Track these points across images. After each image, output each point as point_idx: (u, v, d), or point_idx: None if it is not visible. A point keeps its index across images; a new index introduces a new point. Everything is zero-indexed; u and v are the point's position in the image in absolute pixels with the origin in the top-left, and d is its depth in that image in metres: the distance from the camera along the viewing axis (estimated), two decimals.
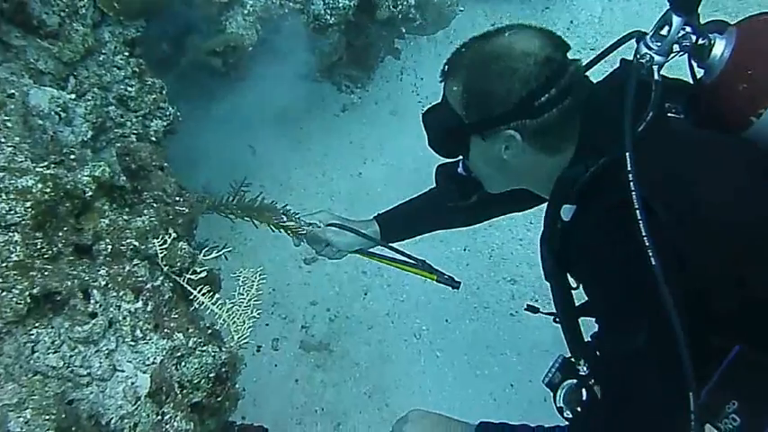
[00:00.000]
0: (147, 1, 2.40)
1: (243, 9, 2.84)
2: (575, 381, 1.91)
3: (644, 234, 1.49)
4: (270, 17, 2.89)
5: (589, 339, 1.91)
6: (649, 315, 1.56)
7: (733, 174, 1.66)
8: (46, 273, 1.60)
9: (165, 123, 2.52)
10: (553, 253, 1.83)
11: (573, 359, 1.94)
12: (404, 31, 3.79)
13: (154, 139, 2.49)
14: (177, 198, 2.01)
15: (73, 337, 1.60)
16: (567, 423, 1.87)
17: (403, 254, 2.34)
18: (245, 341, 1.71)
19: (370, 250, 2.42)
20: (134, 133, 2.41)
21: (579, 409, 1.86)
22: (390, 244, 2.34)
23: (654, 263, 1.48)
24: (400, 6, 3.47)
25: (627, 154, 1.54)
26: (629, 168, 1.53)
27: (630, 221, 1.51)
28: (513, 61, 1.62)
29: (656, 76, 1.64)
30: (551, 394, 2.01)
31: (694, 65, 1.77)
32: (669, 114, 1.73)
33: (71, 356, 1.60)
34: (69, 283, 1.62)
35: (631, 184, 1.52)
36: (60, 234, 1.67)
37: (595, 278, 1.71)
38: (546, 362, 3.26)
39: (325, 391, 3.16)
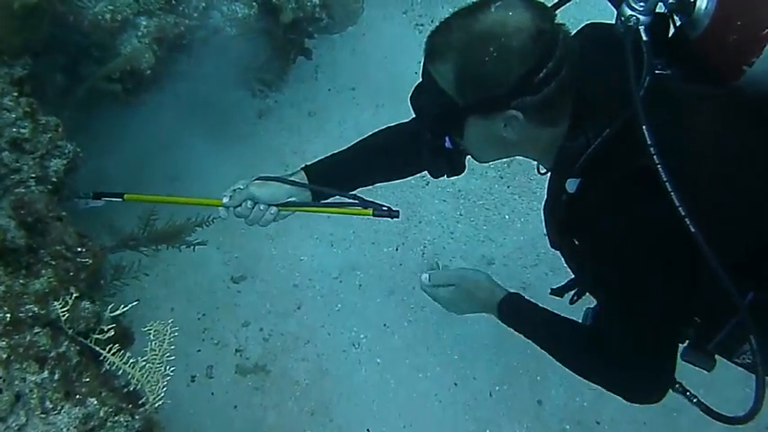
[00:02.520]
0: (27, 37, 2.27)
1: (136, 31, 2.72)
2: None
3: (678, 204, 1.52)
4: (166, 36, 2.77)
5: None
6: (656, 287, 1.72)
7: (732, 128, 1.70)
8: None
9: (64, 162, 2.39)
10: (558, 223, 1.90)
11: None
12: (312, 31, 3.70)
13: (54, 179, 2.37)
14: (79, 249, 1.91)
15: None
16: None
17: (333, 194, 2.15)
18: (160, 401, 1.63)
19: (300, 202, 2.15)
20: (32, 177, 2.28)
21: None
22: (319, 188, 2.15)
23: (693, 229, 1.52)
24: (304, 7, 3.38)
25: (644, 128, 1.54)
26: (647, 140, 1.53)
27: (643, 191, 1.58)
28: (507, 39, 1.58)
29: (644, 37, 1.62)
30: None
31: (676, 19, 1.75)
32: (656, 72, 1.69)
33: None
34: None
35: (654, 156, 1.52)
36: None
37: (605, 248, 1.75)
38: (487, 355, 3.28)
39: (266, 415, 3.08)
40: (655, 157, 1.53)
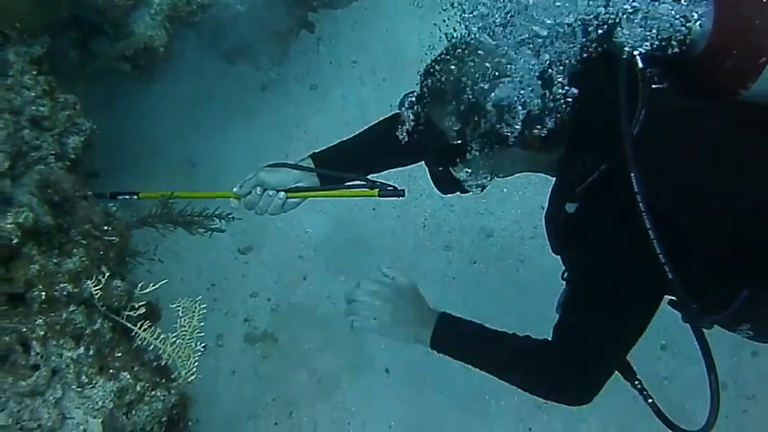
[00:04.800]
0: (48, 16, 2.31)
1: (149, 9, 2.75)
2: None
3: (653, 238, 1.58)
4: (178, 14, 2.81)
5: None
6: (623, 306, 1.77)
7: (726, 144, 1.69)
8: None
9: (82, 139, 2.44)
10: (557, 235, 1.94)
11: None
12: (316, 5, 3.73)
13: (72, 156, 2.42)
14: (105, 228, 1.98)
15: (18, 392, 1.59)
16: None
17: (340, 177, 2.16)
18: (192, 376, 1.71)
19: (308, 187, 2.17)
20: (51, 154, 2.33)
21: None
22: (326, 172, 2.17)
23: (669, 276, 1.59)
24: None
25: (632, 175, 1.58)
26: (635, 188, 1.58)
27: (633, 223, 1.60)
28: (505, 84, 1.62)
29: (640, 64, 1.63)
30: None
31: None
32: (653, 86, 1.69)
33: (19, 411, 1.59)
34: (7, 338, 1.60)
35: (638, 197, 1.58)
36: None
37: (594, 265, 1.79)
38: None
39: (274, 382, 3.18)
40: (641, 204, 1.58)
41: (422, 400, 3.24)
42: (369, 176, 2.14)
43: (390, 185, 2.11)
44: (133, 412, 1.61)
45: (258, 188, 2.14)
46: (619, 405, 3.24)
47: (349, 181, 2.15)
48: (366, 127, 2.29)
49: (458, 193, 2.02)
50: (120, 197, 2.27)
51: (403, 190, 2.11)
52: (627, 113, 1.61)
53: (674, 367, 3.36)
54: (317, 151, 2.25)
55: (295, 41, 4.08)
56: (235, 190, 2.18)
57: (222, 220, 2.38)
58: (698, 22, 1.61)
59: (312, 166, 2.19)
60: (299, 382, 3.21)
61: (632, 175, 1.58)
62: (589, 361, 1.84)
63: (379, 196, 2.11)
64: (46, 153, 2.33)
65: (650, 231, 1.58)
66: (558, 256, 2.04)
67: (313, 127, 3.96)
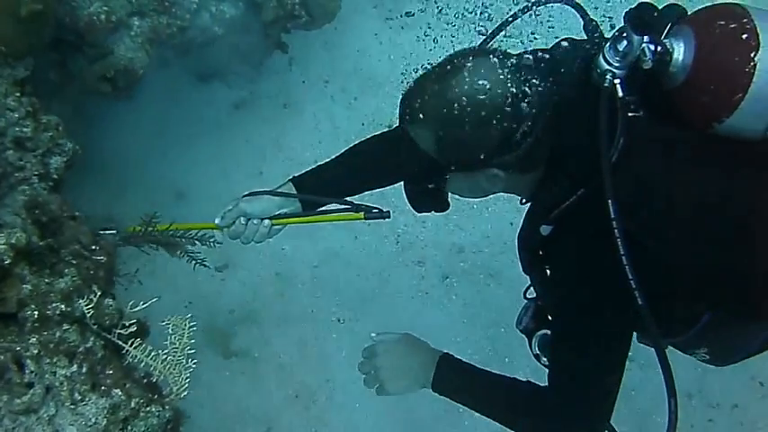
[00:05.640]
0: (32, 39, 2.34)
1: (129, 31, 2.79)
2: (548, 331, 2.12)
3: (630, 277, 1.65)
4: (158, 37, 2.85)
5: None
6: (603, 331, 1.81)
7: (703, 172, 1.75)
8: None
9: (64, 159, 2.47)
10: (530, 255, 1.99)
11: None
12: (289, 27, 3.79)
13: (55, 176, 2.45)
14: (93, 247, 2.01)
15: (13, 410, 1.62)
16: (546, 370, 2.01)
17: (323, 202, 2.16)
18: (185, 391, 1.75)
19: (290, 213, 2.17)
20: (35, 174, 2.36)
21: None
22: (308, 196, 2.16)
23: (639, 302, 1.67)
24: (285, 6, 3.48)
25: (609, 202, 1.64)
26: (611, 214, 1.64)
27: (607, 249, 1.66)
28: (483, 106, 1.63)
29: (620, 93, 1.68)
30: (527, 340, 2.20)
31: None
32: (629, 114, 1.73)
33: (14, 429, 1.62)
34: (2, 357, 1.63)
35: (614, 223, 1.65)
36: None
37: (567, 287, 1.85)
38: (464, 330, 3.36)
39: (252, 398, 3.22)
40: (616, 230, 1.65)
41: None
42: (348, 199, 2.14)
43: (375, 208, 2.13)
44: (129, 428, 1.64)
45: (242, 218, 2.14)
46: None
47: (332, 205, 2.15)
48: (343, 150, 2.30)
49: (432, 211, 2.06)
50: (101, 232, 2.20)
51: (388, 211, 2.13)
52: (607, 142, 1.67)
53: (641, 378, 3.45)
54: (296, 175, 2.24)
55: (268, 61, 4.13)
56: (217, 221, 2.16)
57: (204, 245, 2.39)
58: (679, 57, 1.67)
59: (292, 190, 2.18)
60: (276, 398, 3.25)
61: (609, 201, 1.65)
62: (589, 399, 1.87)
63: (365, 219, 2.12)
64: (29, 174, 2.35)
65: (623, 257, 1.65)
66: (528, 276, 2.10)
67: (286, 145, 4.00)
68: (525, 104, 1.66)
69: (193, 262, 2.32)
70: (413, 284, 3.70)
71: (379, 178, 2.29)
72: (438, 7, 4.23)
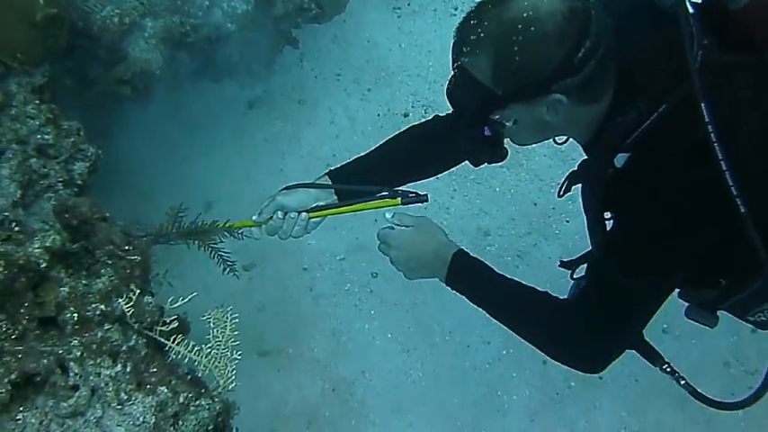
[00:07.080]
0: (49, 45, 2.33)
1: (143, 33, 2.77)
2: None
3: (731, 183, 1.57)
4: (172, 36, 2.83)
5: None
6: (663, 269, 1.77)
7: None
8: (19, 355, 1.59)
9: (87, 165, 2.46)
10: (597, 194, 1.88)
11: None
12: (300, 21, 3.76)
13: (79, 182, 2.44)
14: (127, 247, 2.00)
15: (60, 414, 1.60)
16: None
17: (358, 191, 2.13)
18: (232, 384, 1.74)
19: (329, 204, 2.16)
20: (59, 181, 2.36)
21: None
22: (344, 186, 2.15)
23: (743, 210, 1.58)
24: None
25: (702, 105, 1.56)
26: (706, 118, 1.56)
27: (696, 167, 1.60)
28: (542, 24, 1.58)
29: (690, 10, 1.64)
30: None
31: None
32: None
33: None
34: (45, 361, 1.61)
35: (712, 134, 1.56)
36: (22, 311, 1.66)
37: (639, 216, 1.77)
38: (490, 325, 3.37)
39: (289, 394, 3.20)
40: (713, 134, 1.55)
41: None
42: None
43: (412, 192, 2.08)
44: (180, 423, 1.62)
45: (279, 212, 2.12)
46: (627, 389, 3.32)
47: (369, 193, 2.12)
48: (383, 141, 2.30)
49: (486, 163, 2.01)
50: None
51: (426, 195, 2.07)
52: (690, 45, 1.61)
53: (677, 350, 3.42)
54: (333, 168, 2.24)
55: (278, 58, 4.11)
56: (254, 218, 2.16)
57: (235, 237, 2.37)
58: None
59: (329, 182, 2.18)
60: (313, 393, 3.23)
61: (702, 105, 1.57)
62: (609, 328, 1.84)
63: (403, 204, 2.08)
64: (54, 180, 2.35)
65: (722, 162, 1.56)
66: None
67: (304, 141, 3.99)
68: (585, 23, 1.61)
69: (221, 265, 2.30)
70: None
71: (416, 168, 2.29)
72: None
